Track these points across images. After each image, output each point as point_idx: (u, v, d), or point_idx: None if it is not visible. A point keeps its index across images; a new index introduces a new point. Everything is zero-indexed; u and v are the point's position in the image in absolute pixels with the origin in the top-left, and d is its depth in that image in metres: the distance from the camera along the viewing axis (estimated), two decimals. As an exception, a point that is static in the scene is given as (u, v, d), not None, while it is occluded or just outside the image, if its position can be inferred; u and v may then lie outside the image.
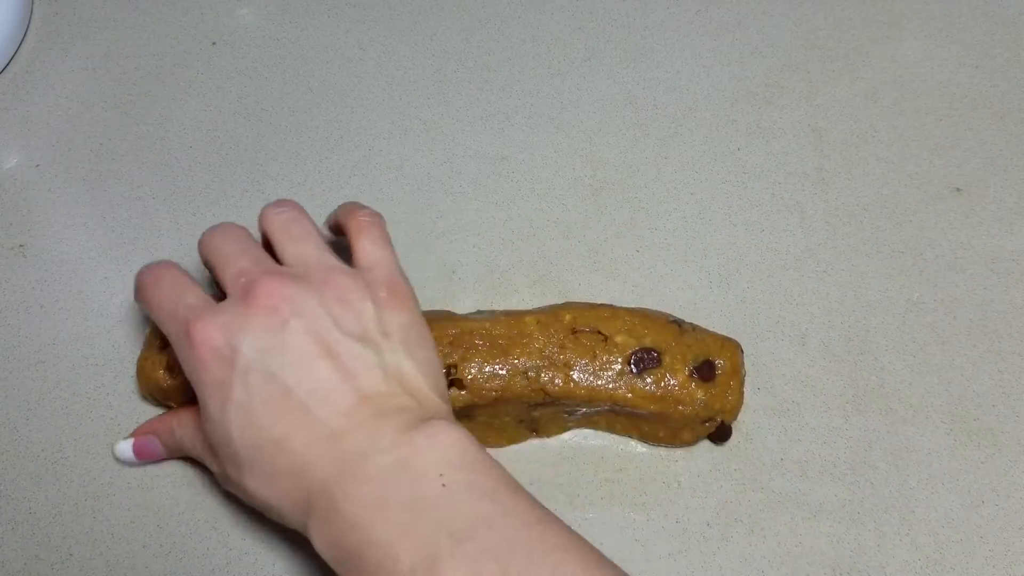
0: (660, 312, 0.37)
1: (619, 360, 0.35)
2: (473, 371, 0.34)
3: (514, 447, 0.38)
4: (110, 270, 0.43)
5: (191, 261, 0.43)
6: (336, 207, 0.36)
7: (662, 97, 0.48)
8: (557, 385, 0.34)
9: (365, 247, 0.33)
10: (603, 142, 0.47)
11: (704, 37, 0.50)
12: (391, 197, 0.45)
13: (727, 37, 0.50)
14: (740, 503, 0.37)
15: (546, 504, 0.37)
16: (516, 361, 0.35)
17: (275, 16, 0.52)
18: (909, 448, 0.38)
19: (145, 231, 0.44)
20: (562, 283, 0.42)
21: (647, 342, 0.35)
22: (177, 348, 0.30)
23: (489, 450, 0.38)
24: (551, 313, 0.36)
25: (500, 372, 0.35)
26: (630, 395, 0.35)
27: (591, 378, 0.35)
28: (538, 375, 0.34)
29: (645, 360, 0.35)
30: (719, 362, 0.36)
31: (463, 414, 0.36)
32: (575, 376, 0.34)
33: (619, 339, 0.35)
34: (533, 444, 0.38)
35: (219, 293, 0.32)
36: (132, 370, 0.39)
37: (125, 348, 0.41)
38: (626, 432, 0.38)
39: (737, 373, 0.36)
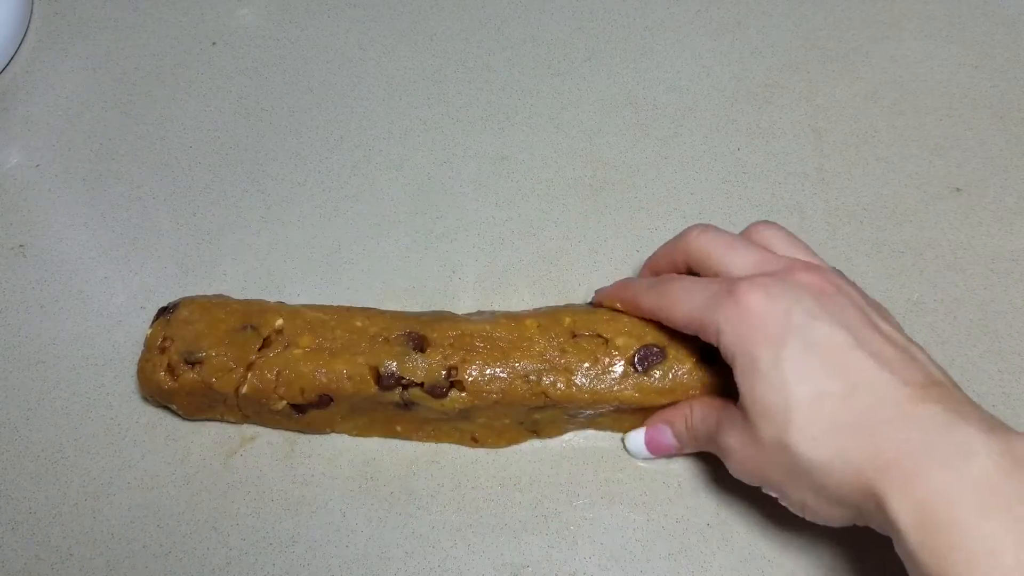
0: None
1: (621, 362, 0.34)
2: (474, 373, 0.34)
3: (514, 447, 0.38)
4: (110, 270, 0.43)
5: (191, 261, 0.43)
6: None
7: (662, 97, 0.48)
8: (559, 389, 0.34)
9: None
10: (603, 142, 0.47)
11: (704, 37, 0.50)
12: (391, 197, 0.45)
13: (727, 37, 0.50)
14: (740, 503, 0.37)
15: (546, 504, 0.37)
16: (517, 364, 0.35)
17: (275, 16, 0.52)
18: (909, 448, 0.38)
19: (145, 231, 0.44)
20: (562, 283, 0.42)
21: (648, 340, 0.35)
22: (711, 311, 0.30)
23: (488, 450, 0.38)
24: (551, 316, 0.36)
25: (501, 375, 0.34)
26: (638, 395, 0.34)
27: (593, 382, 0.34)
28: (539, 379, 0.34)
29: (650, 357, 0.35)
30: None
31: (463, 416, 0.36)
32: (577, 380, 0.34)
33: (620, 341, 0.35)
34: (533, 444, 0.38)
35: None
36: (132, 370, 0.39)
37: (125, 348, 0.41)
38: (633, 428, 0.38)
39: None
